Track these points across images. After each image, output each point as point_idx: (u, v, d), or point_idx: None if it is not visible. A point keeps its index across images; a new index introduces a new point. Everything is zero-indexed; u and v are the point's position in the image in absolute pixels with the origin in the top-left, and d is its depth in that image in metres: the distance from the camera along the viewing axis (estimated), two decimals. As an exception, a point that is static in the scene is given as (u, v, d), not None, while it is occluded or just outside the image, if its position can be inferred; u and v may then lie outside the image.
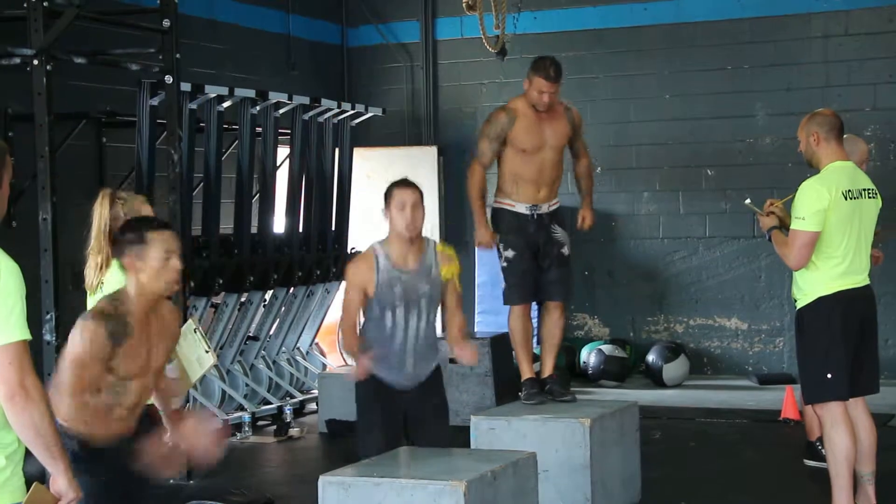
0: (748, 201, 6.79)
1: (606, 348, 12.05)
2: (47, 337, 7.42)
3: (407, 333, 6.05)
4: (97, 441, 4.61)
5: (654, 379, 11.90)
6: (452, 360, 9.79)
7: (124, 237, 4.73)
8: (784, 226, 6.46)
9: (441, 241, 6.39)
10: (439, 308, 6.21)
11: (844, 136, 6.57)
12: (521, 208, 7.50)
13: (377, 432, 6.07)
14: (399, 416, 6.14)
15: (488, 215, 7.64)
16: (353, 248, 11.64)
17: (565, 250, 7.58)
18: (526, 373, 7.49)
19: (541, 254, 7.52)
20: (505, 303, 7.63)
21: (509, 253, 7.50)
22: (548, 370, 7.58)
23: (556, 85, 7.43)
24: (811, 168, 6.50)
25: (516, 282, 7.50)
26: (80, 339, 4.53)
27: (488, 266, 11.72)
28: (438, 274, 6.08)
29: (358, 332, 6.13)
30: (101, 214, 5.32)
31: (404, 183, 6.08)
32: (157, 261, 4.66)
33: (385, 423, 6.08)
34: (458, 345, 6.11)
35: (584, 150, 7.90)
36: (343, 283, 11.58)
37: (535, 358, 7.87)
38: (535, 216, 7.51)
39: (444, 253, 6.15)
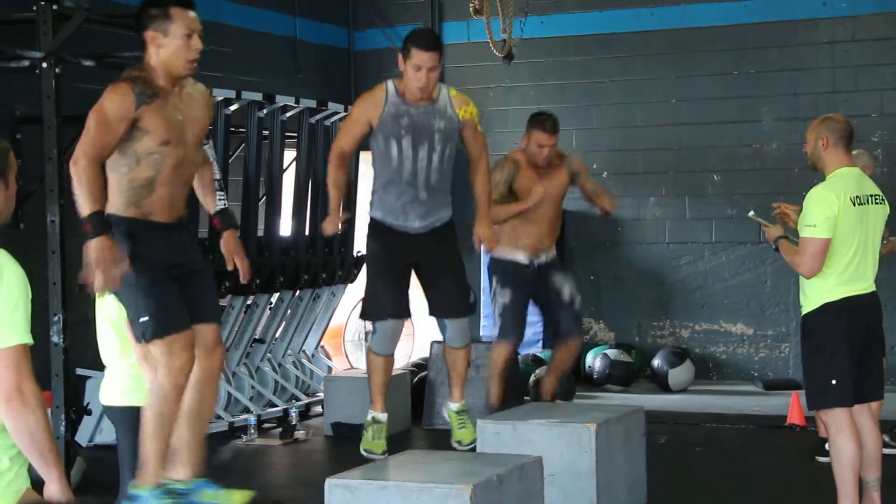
0: (752, 214, 6.78)
1: (612, 353, 12.05)
2: (55, 339, 7.43)
3: (416, 165, 6.02)
4: (146, 218, 4.71)
5: (660, 384, 11.89)
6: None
7: (149, 11, 4.80)
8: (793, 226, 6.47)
9: (454, 89, 6.38)
10: (453, 150, 6.20)
11: (854, 151, 6.57)
12: (521, 257, 7.58)
13: (385, 292, 6.07)
14: (406, 266, 6.11)
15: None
16: (359, 252, 11.65)
17: (565, 295, 7.65)
18: (496, 399, 7.60)
19: (540, 300, 7.64)
20: (497, 338, 7.81)
21: (506, 297, 7.61)
22: (550, 389, 7.71)
23: (554, 138, 7.51)
24: (815, 171, 6.49)
25: (510, 323, 7.73)
26: (107, 97, 4.61)
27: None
28: (455, 114, 6.07)
29: (346, 163, 6.16)
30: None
31: (425, 44, 6.03)
32: (180, 38, 4.75)
33: (392, 280, 6.07)
34: (479, 223, 6.17)
35: (596, 186, 7.99)
36: (348, 285, 11.61)
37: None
38: (535, 266, 7.61)
39: (458, 96, 6.16)
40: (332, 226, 6.14)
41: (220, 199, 5.45)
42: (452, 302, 6.21)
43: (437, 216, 6.12)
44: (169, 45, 4.79)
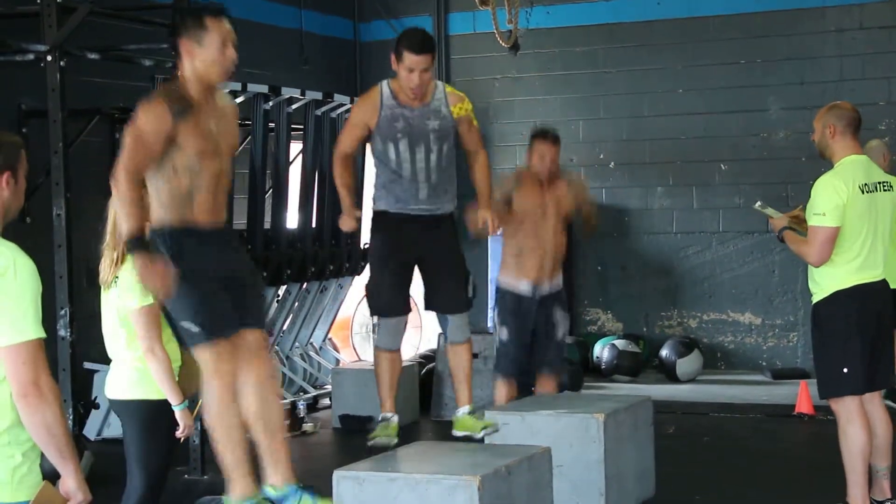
0: (758, 204, 6.72)
1: (620, 343, 12.04)
2: (62, 332, 7.43)
3: (415, 166, 6.07)
4: (190, 226, 4.78)
5: (668, 374, 11.88)
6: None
7: (183, 21, 4.83)
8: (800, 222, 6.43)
9: (450, 86, 6.40)
10: (451, 145, 6.24)
11: (873, 143, 6.54)
12: (524, 287, 7.58)
13: (385, 288, 6.12)
14: (408, 261, 6.14)
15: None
16: (365, 244, 11.63)
17: (560, 333, 7.78)
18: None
19: (538, 334, 7.65)
20: (497, 376, 7.89)
21: (505, 336, 7.70)
22: None
23: (555, 148, 7.55)
24: (823, 159, 6.46)
25: (507, 362, 7.80)
26: (144, 115, 4.64)
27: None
28: (449, 112, 6.10)
29: (349, 163, 6.22)
30: (115, 211, 5.32)
31: (418, 47, 6.06)
32: (214, 47, 4.78)
33: (394, 268, 6.10)
34: (481, 206, 6.20)
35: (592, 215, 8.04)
36: (355, 278, 11.60)
37: None
38: (538, 297, 7.60)
39: (453, 93, 6.18)
40: (348, 224, 6.18)
41: None
42: (452, 298, 6.23)
43: (438, 205, 6.16)
44: (204, 55, 4.81)
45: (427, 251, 6.20)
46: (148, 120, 4.71)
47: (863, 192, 6.18)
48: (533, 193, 7.63)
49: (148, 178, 4.84)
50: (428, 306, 6.45)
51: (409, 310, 6.30)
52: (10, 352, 3.39)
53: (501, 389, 7.87)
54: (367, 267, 6.43)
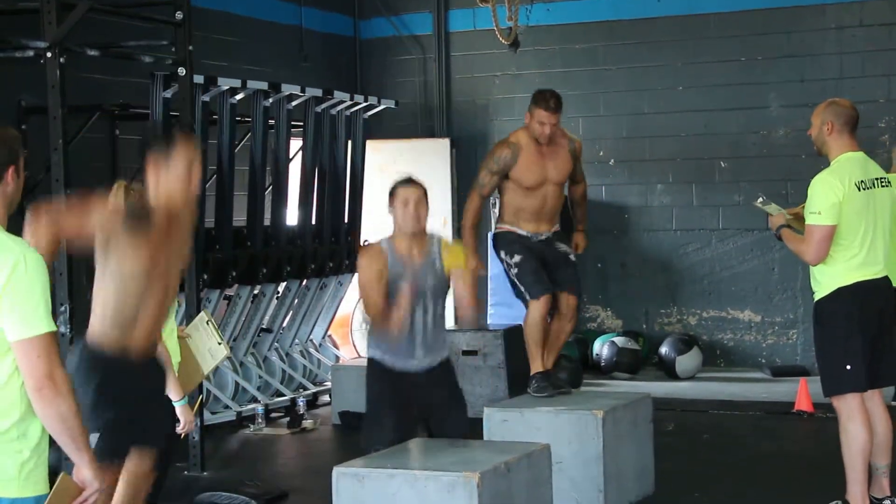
0: (759, 201, 6.69)
1: (619, 340, 12.04)
2: (61, 329, 7.43)
3: (414, 326, 6.10)
4: (128, 355, 4.78)
5: (667, 371, 11.88)
6: (466, 352, 9.87)
7: (152, 145, 4.87)
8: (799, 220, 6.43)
9: (446, 238, 6.43)
10: (447, 301, 6.25)
11: None
12: (523, 232, 7.57)
13: (386, 424, 6.09)
14: (411, 409, 6.15)
15: (490, 241, 7.73)
16: (365, 241, 11.63)
17: (572, 257, 7.70)
18: (538, 367, 7.50)
19: (546, 261, 7.59)
20: (530, 298, 7.51)
21: (517, 258, 7.54)
22: (550, 364, 7.62)
23: (556, 115, 7.47)
24: (819, 156, 6.45)
25: (533, 279, 7.50)
26: (98, 217, 4.73)
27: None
28: (442, 267, 6.13)
29: (383, 311, 6.07)
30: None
31: (408, 181, 6.20)
32: (181, 169, 4.80)
33: (394, 416, 6.09)
34: (465, 304, 6.19)
35: (582, 177, 8.01)
36: (356, 276, 11.63)
37: None
38: (537, 239, 7.59)
39: (447, 247, 6.21)
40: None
41: None
42: (454, 434, 6.23)
43: (433, 358, 6.19)
44: (169, 175, 4.92)
45: (426, 402, 6.21)
46: (106, 227, 4.83)
47: (859, 189, 6.17)
48: (532, 166, 7.51)
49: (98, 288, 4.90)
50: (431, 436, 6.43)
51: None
52: (24, 346, 3.40)
53: (534, 310, 7.48)
54: (366, 409, 6.41)
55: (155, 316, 4.92)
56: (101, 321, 4.88)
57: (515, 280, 7.56)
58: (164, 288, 4.91)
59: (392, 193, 6.16)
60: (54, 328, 3.46)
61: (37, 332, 3.41)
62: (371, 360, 6.24)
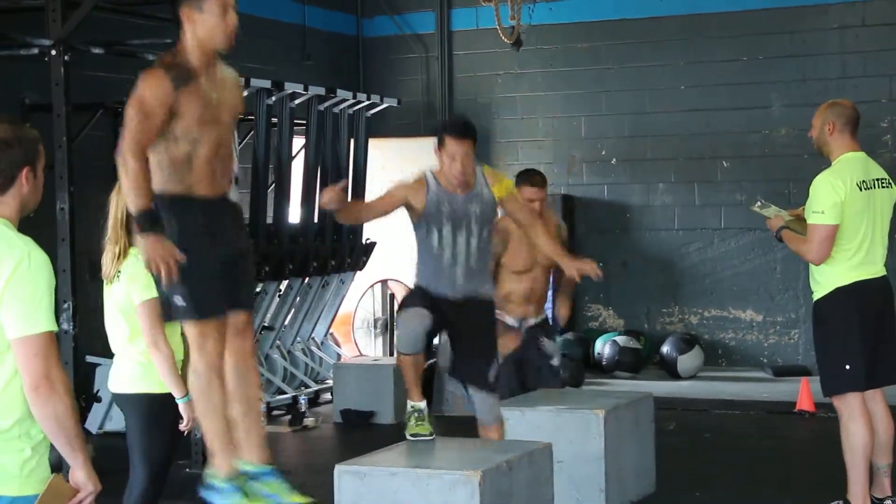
0: (757, 205, 6.70)
1: (621, 339, 12.05)
2: (65, 326, 7.46)
3: (455, 250, 6.08)
4: (189, 196, 4.74)
5: (669, 370, 11.89)
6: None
7: None
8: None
9: (489, 167, 6.37)
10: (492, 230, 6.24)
11: None
12: (510, 320, 7.52)
13: (418, 303, 6.08)
14: (440, 318, 6.11)
15: None
16: (367, 239, 11.65)
17: (555, 361, 7.59)
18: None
19: (529, 366, 7.54)
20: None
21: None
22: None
23: (542, 191, 7.43)
24: (821, 156, 6.47)
25: (504, 384, 7.50)
26: (144, 86, 4.62)
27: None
28: (490, 195, 6.11)
29: (364, 214, 6.30)
30: (117, 204, 5.33)
31: (458, 132, 6.06)
32: (215, 13, 4.76)
33: (426, 305, 6.07)
34: (566, 260, 6.21)
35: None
36: (357, 273, 11.60)
37: None
38: (524, 329, 7.52)
39: (491, 175, 6.18)
40: (328, 195, 6.10)
41: (235, 193, 5.49)
42: (477, 374, 6.20)
43: (474, 288, 6.17)
44: (204, 21, 4.77)
45: (460, 323, 6.21)
46: (149, 90, 4.67)
47: (861, 189, 6.19)
48: (522, 250, 7.47)
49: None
50: (452, 373, 6.43)
51: (427, 319, 6.22)
52: (23, 344, 3.40)
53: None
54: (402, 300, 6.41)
55: (211, 160, 4.78)
56: (158, 178, 4.76)
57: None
58: (216, 134, 4.79)
59: (441, 141, 6.07)
60: (54, 328, 3.45)
61: (36, 331, 3.40)
62: (416, 286, 6.24)
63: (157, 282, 4.78)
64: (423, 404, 6.20)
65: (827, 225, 6.13)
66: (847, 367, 6.20)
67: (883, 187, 6.30)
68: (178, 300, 4.73)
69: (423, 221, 6.12)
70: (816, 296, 6.34)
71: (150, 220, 4.64)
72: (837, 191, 6.13)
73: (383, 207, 6.20)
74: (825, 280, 6.26)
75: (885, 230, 6.34)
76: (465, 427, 6.38)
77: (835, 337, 6.26)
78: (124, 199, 5.19)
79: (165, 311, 4.86)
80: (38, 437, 3.50)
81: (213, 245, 4.80)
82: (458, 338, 6.23)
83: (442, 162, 6.08)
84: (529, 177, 7.56)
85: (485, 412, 6.29)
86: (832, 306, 6.25)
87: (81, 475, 3.53)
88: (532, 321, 7.55)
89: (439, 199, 6.06)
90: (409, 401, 6.25)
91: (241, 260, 4.93)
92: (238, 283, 4.89)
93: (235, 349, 4.86)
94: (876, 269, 6.29)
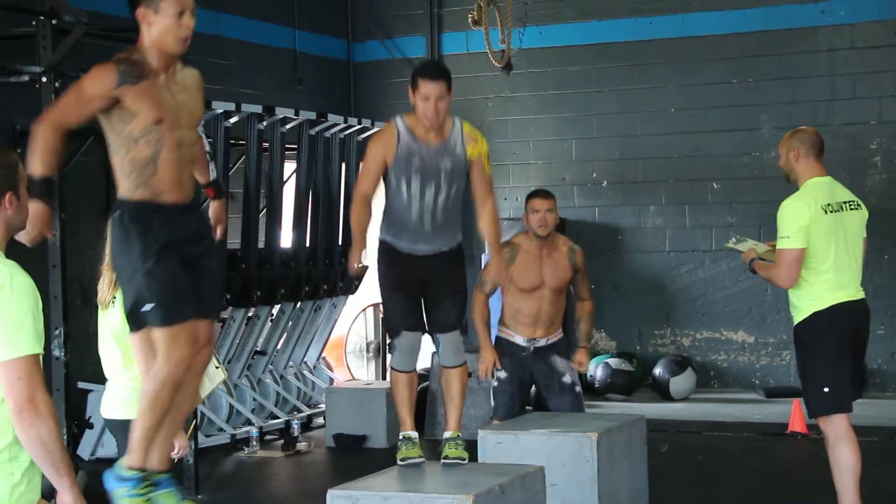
0: (732, 242, 6.83)
1: (613, 362, 12.06)
2: (56, 353, 7.44)
3: (423, 204, 6.01)
4: (157, 200, 4.75)
5: (661, 392, 11.90)
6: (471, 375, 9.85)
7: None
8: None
9: (470, 124, 6.31)
10: (464, 185, 6.19)
11: None
12: (519, 340, 7.51)
13: (398, 306, 6.08)
14: (415, 283, 6.11)
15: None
16: (360, 264, 11.64)
17: (567, 378, 7.56)
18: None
19: (541, 385, 7.54)
20: (493, 415, 7.60)
21: (501, 374, 7.50)
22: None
23: (549, 201, 7.41)
24: (789, 183, 6.59)
25: (504, 401, 7.54)
26: (90, 74, 4.65)
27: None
28: (463, 151, 6.06)
29: (369, 205, 6.09)
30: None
31: (431, 73, 5.99)
32: (171, 15, 4.73)
33: (405, 299, 6.07)
34: (496, 257, 6.30)
35: (588, 293, 7.74)
36: (349, 297, 11.59)
37: None
38: (533, 349, 7.51)
39: (470, 134, 6.14)
40: (354, 268, 6.16)
41: (212, 171, 5.52)
42: (444, 317, 6.19)
43: (443, 243, 6.14)
44: (160, 23, 4.77)
45: (430, 274, 6.18)
46: (91, 80, 4.73)
47: (826, 212, 6.29)
48: (528, 268, 7.46)
49: (111, 149, 4.83)
50: (427, 331, 6.41)
51: (419, 328, 6.23)
52: (6, 367, 3.39)
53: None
54: (379, 294, 6.39)
55: (175, 163, 4.79)
56: (123, 182, 4.80)
57: (492, 390, 7.57)
58: (177, 136, 4.80)
59: (414, 82, 6.01)
60: (40, 351, 3.44)
61: (19, 354, 3.39)
62: (381, 242, 6.20)
63: (125, 292, 4.79)
64: (415, 434, 6.19)
65: (793, 249, 6.25)
66: (826, 389, 6.27)
67: (852, 209, 6.40)
68: (146, 307, 4.73)
69: (392, 173, 6.05)
70: (796, 320, 6.47)
71: (44, 186, 4.66)
72: (802, 214, 6.25)
73: (376, 175, 6.12)
74: (803, 305, 6.38)
75: (859, 251, 6.44)
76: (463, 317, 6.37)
77: (815, 360, 6.34)
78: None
79: (134, 321, 4.84)
80: (27, 462, 3.49)
81: (181, 248, 4.81)
82: (430, 291, 6.20)
83: (416, 104, 6.02)
84: (535, 191, 7.57)
85: (450, 352, 6.23)
86: (811, 330, 6.35)
87: (68, 499, 3.52)
88: (542, 343, 7.53)
89: (409, 149, 5.97)
90: (401, 431, 6.25)
91: (206, 266, 4.93)
92: (202, 290, 4.89)
93: (193, 363, 4.87)
94: (852, 292, 6.37)
